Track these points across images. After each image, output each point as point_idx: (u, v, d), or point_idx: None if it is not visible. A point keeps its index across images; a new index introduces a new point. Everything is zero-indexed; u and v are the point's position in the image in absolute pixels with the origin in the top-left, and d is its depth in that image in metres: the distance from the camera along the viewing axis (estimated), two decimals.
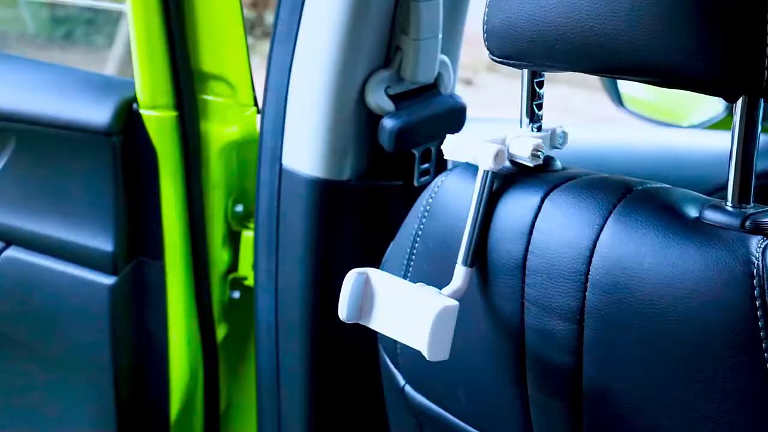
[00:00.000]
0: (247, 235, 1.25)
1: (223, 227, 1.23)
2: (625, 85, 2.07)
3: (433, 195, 0.76)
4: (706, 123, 2.27)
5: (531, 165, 0.69)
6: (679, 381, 0.60)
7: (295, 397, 1.09)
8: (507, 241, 0.68)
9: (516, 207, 0.69)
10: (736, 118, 0.60)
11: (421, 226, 0.76)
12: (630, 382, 0.63)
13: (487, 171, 0.69)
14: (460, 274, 0.68)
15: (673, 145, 1.76)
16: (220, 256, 1.24)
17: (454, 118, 1.03)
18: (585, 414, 0.66)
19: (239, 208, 1.24)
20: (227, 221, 1.24)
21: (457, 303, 0.64)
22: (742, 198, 0.60)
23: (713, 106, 2.74)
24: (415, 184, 1.03)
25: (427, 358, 0.63)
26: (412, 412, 0.85)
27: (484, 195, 0.68)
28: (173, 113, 1.15)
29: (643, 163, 1.50)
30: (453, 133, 1.05)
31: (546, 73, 0.71)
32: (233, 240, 1.26)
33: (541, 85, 0.73)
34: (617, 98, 1.96)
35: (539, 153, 0.69)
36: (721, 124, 2.23)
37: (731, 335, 0.57)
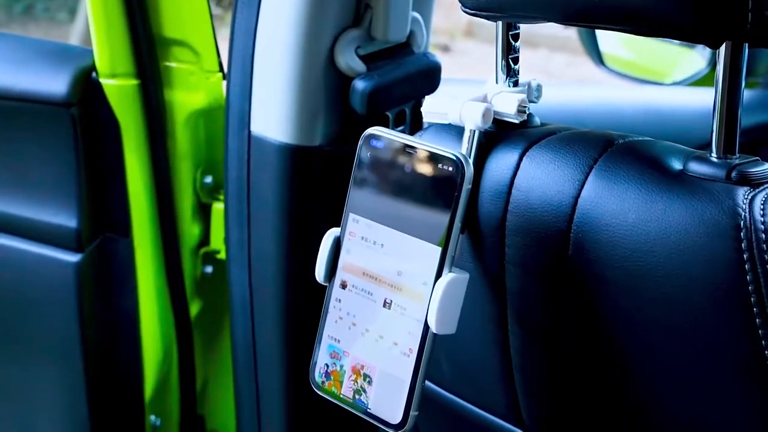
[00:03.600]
0: (218, 207, 1.23)
1: (192, 200, 1.22)
2: (605, 44, 2.06)
3: None
4: (689, 80, 2.26)
5: (517, 121, 0.68)
6: (664, 338, 0.59)
7: (273, 373, 1.08)
8: (487, 202, 0.67)
9: (495, 166, 0.68)
10: (720, 65, 0.59)
11: None
12: (614, 342, 0.62)
13: (474, 130, 0.67)
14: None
15: (655, 102, 1.75)
16: (190, 229, 1.22)
17: (429, 77, 1.01)
18: (568, 378, 0.66)
19: (208, 179, 1.23)
20: (196, 193, 1.22)
21: (467, 274, 0.62)
22: (727, 149, 0.60)
23: (696, 62, 2.74)
24: None
25: (435, 332, 0.61)
26: None
27: (472, 154, 0.67)
28: (134, 82, 1.12)
29: (625, 120, 1.49)
30: (428, 93, 1.04)
31: (525, 38, 0.70)
32: (203, 213, 1.24)
33: (516, 38, 0.71)
34: (597, 57, 1.95)
35: (525, 108, 0.68)
36: (705, 80, 2.23)
37: (718, 290, 0.56)
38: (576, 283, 0.63)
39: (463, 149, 0.68)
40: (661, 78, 2.78)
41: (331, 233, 0.65)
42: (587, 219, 0.62)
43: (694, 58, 2.78)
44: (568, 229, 0.63)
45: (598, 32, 1.91)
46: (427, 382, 0.78)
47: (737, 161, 0.59)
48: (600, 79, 2.17)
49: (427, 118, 0.71)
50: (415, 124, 1.04)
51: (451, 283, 0.60)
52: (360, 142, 0.65)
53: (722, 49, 0.58)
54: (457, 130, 0.71)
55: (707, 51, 2.63)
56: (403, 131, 1.02)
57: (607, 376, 0.64)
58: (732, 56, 0.58)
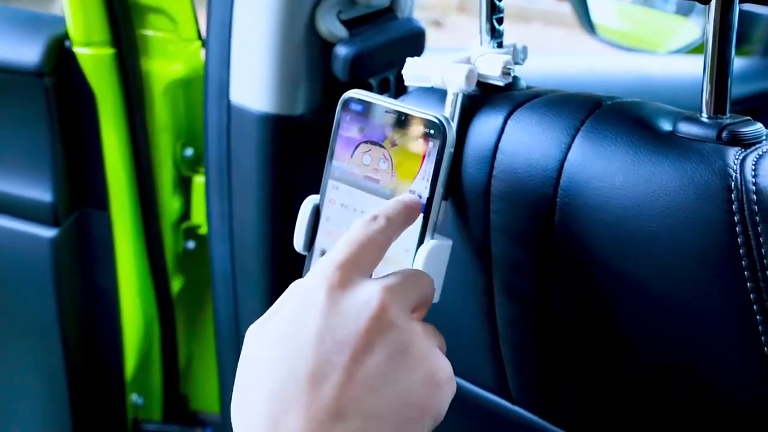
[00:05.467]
0: (199, 181, 1.22)
1: (172, 173, 1.20)
2: (599, 15, 2.05)
3: None
4: (684, 48, 2.25)
5: (502, 84, 0.67)
6: (654, 301, 0.58)
7: None
8: (471, 167, 0.66)
9: (479, 130, 0.66)
10: (711, 21, 0.57)
11: None
12: (603, 308, 0.61)
13: (457, 94, 0.66)
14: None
15: (646, 71, 1.74)
16: (170, 204, 1.21)
17: (413, 43, 1.00)
18: (556, 348, 0.65)
19: (189, 151, 1.21)
20: (177, 166, 1.21)
21: (450, 241, 0.61)
22: (717, 108, 0.58)
23: (690, 31, 2.73)
24: None
25: None
26: None
27: (455, 118, 0.66)
28: (110, 50, 1.11)
29: (615, 89, 1.48)
30: None
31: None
32: (184, 186, 1.23)
33: None
34: (590, 27, 1.93)
35: (510, 70, 0.66)
36: (699, 49, 2.22)
37: (707, 252, 0.55)
38: (563, 249, 0.62)
39: (446, 113, 0.67)
40: (655, 47, 2.77)
41: (310, 200, 0.64)
42: (574, 183, 0.61)
43: (689, 27, 2.77)
44: (554, 193, 0.62)
45: (590, 3, 1.90)
46: None
47: (728, 121, 0.58)
48: (597, 52, 2.16)
49: (408, 82, 0.70)
50: (399, 92, 1.02)
51: (433, 250, 0.59)
52: (338, 106, 0.64)
53: (712, 3, 0.57)
54: (439, 94, 0.69)
55: (701, 19, 2.62)
56: None
57: (596, 343, 0.63)
58: (722, 11, 0.57)
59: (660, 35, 2.97)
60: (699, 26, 2.60)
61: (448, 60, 0.68)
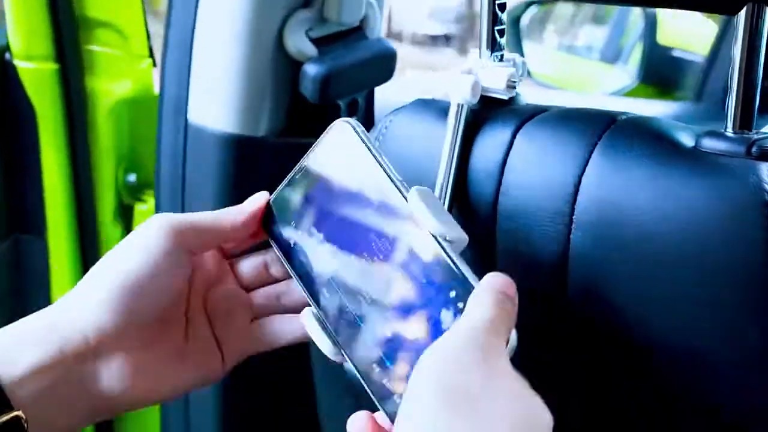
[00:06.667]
0: (141, 209, 1.16)
1: (113, 199, 1.14)
2: (532, 65, 2.08)
3: (380, 137, 0.69)
4: (619, 92, 2.30)
5: (506, 98, 0.64)
6: (678, 328, 0.55)
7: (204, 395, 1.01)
8: (476, 183, 0.63)
9: (484, 145, 0.63)
10: (739, 31, 0.56)
11: None
12: (618, 336, 0.58)
13: (461, 105, 0.63)
14: None
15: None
16: (111, 232, 1.15)
17: (383, 64, 0.97)
18: (571, 370, 0.61)
19: (132, 177, 1.15)
20: (118, 192, 1.15)
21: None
22: (743, 123, 0.57)
23: (617, 77, 2.79)
24: None
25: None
26: (346, 384, 0.79)
27: (459, 131, 0.62)
28: (53, 66, 1.04)
29: None
30: (382, 81, 0.99)
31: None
32: (125, 214, 1.16)
33: (503, 8, 0.67)
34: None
35: (515, 83, 0.64)
36: (632, 93, 2.26)
37: (742, 274, 0.52)
38: (579, 268, 0.58)
39: (450, 125, 0.63)
40: (588, 91, 2.82)
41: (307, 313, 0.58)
42: (593, 200, 0.58)
43: (616, 73, 2.83)
44: (571, 211, 0.58)
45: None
46: None
47: (756, 136, 0.56)
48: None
49: (409, 93, 0.66)
50: (368, 115, 0.99)
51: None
52: (328, 132, 0.60)
53: (741, 14, 0.55)
54: (439, 106, 0.66)
55: (629, 67, 2.68)
56: None
57: (610, 371, 0.60)
58: (751, 22, 0.55)
59: (587, 80, 3.03)
60: (625, 73, 2.65)
61: (450, 72, 0.65)
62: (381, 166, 0.57)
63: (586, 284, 0.58)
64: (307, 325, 0.57)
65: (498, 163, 0.62)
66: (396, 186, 0.56)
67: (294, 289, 0.61)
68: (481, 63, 0.67)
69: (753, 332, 0.53)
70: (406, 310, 0.53)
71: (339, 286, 0.57)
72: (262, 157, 0.95)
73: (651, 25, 2.26)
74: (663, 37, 2.32)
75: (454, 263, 0.52)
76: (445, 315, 0.51)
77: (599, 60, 3.21)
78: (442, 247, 0.53)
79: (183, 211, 0.99)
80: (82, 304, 0.53)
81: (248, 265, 0.61)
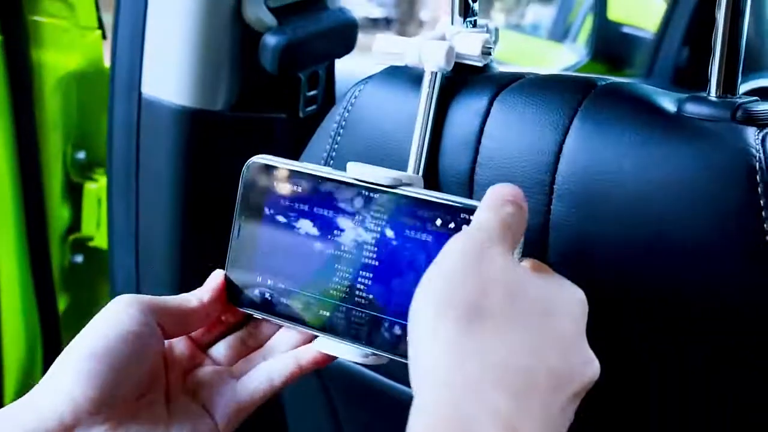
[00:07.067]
0: (91, 188, 1.12)
1: (61, 178, 1.10)
2: None
3: (350, 107, 0.66)
4: (570, 69, 2.30)
5: (480, 65, 0.62)
6: (668, 296, 0.54)
7: None
8: (450, 154, 0.61)
9: (459, 113, 0.61)
10: None
11: (335, 146, 0.67)
12: (605, 307, 0.57)
13: (435, 72, 0.61)
14: None
15: None
16: (59, 213, 1.11)
17: (345, 34, 0.94)
18: None
19: (81, 154, 1.11)
20: (66, 171, 1.11)
21: None
22: (727, 87, 0.55)
23: (567, 54, 2.79)
24: (300, 114, 0.93)
25: None
26: (318, 381, 0.77)
27: (434, 99, 0.60)
28: None
29: None
30: (344, 53, 0.96)
31: None
32: (74, 194, 1.12)
33: None
34: None
35: (490, 49, 0.62)
36: (583, 68, 2.26)
37: (729, 238, 0.51)
38: (559, 240, 0.57)
39: (423, 93, 0.61)
40: (540, 66, 2.82)
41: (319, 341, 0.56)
42: (575, 168, 0.56)
43: (564, 51, 2.83)
44: (552, 180, 0.57)
45: None
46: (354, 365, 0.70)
47: (740, 100, 0.55)
48: None
49: (379, 59, 0.64)
50: (328, 88, 0.96)
51: None
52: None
53: None
54: (411, 74, 0.64)
55: (577, 44, 2.69)
56: (315, 96, 0.94)
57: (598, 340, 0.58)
58: None
59: (536, 58, 3.03)
60: (574, 50, 2.66)
61: (422, 38, 0.63)
62: (312, 175, 0.55)
63: (568, 256, 0.57)
64: (325, 350, 0.56)
65: (474, 132, 0.60)
66: (336, 179, 0.54)
67: (282, 368, 0.58)
68: (454, 29, 0.64)
69: (739, 290, 0.52)
70: (415, 273, 0.52)
71: (337, 294, 0.55)
72: (219, 132, 0.92)
73: (602, 2, 2.26)
74: (613, 14, 2.32)
75: (436, 198, 0.52)
76: None
77: (547, 38, 3.22)
78: (413, 194, 0.52)
79: (137, 189, 0.95)
80: (57, 385, 0.51)
81: (223, 347, 0.59)
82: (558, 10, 3.12)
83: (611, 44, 2.28)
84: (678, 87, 1.98)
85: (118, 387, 0.51)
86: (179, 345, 0.58)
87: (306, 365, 0.57)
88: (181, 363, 0.58)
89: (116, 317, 0.53)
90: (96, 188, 1.12)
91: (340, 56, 0.95)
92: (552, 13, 3.28)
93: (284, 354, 0.57)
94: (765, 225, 0.51)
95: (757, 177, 0.51)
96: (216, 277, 0.59)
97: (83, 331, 0.53)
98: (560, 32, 2.98)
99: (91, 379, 0.50)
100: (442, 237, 0.51)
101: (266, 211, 0.57)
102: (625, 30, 2.31)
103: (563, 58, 2.69)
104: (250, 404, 0.57)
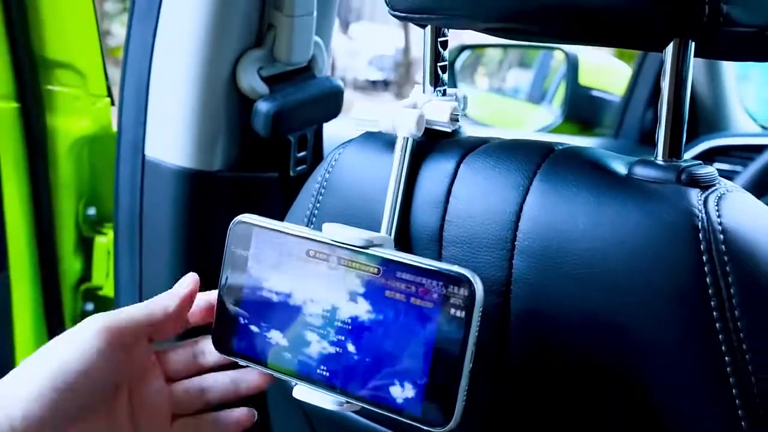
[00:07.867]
0: (101, 241, 1.11)
1: (74, 233, 1.09)
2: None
3: (330, 169, 0.66)
4: (545, 129, 2.31)
5: (450, 130, 0.62)
6: (618, 347, 0.53)
7: None
8: (421, 212, 0.60)
9: (429, 175, 0.61)
10: (667, 65, 0.54)
11: (317, 205, 0.67)
12: (560, 357, 0.56)
13: (407, 138, 0.60)
14: None
15: None
16: (71, 265, 1.10)
17: (331, 101, 0.94)
18: (512, 395, 0.58)
19: (91, 211, 1.10)
20: (78, 226, 1.10)
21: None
22: (672, 152, 0.55)
23: (543, 115, 2.81)
24: (291, 173, 0.93)
25: None
26: (303, 414, 0.75)
27: (405, 162, 0.60)
28: (14, 105, 1.00)
29: None
30: (330, 117, 0.96)
31: None
32: (85, 247, 1.11)
33: (444, 45, 0.65)
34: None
35: (457, 116, 0.62)
36: (556, 129, 2.27)
37: (676, 293, 0.51)
38: (522, 292, 0.56)
39: (396, 157, 0.61)
40: (514, 128, 2.83)
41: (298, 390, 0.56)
42: (534, 225, 0.55)
43: (541, 112, 2.85)
44: (513, 237, 0.56)
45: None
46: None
47: (684, 164, 0.54)
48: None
49: (356, 126, 0.64)
50: (316, 149, 0.96)
51: None
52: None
53: (668, 49, 0.54)
54: (386, 139, 0.64)
55: (553, 106, 2.70)
56: (305, 157, 0.94)
57: (551, 394, 0.57)
58: (677, 58, 0.54)
59: (516, 119, 3.05)
60: (550, 112, 2.67)
61: (396, 106, 0.63)
62: (291, 234, 0.55)
63: (528, 307, 0.56)
64: (303, 397, 0.55)
65: (443, 193, 0.60)
66: (312, 239, 0.54)
67: (218, 385, 0.58)
68: (425, 97, 0.64)
69: (686, 344, 0.51)
70: (384, 328, 0.51)
71: (313, 347, 0.54)
72: (216, 191, 0.91)
73: (573, 68, 2.28)
74: (584, 79, 2.34)
75: (403, 259, 0.51)
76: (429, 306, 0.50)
77: (526, 100, 3.24)
78: (383, 255, 0.51)
79: (141, 243, 0.95)
80: (12, 395, 0.50)
81: (177, 356, 0.58)
82: (535, 75, 3.15)
83: (582, 107, 2.29)
84: (644, 145, 1.99)
85: (70, 409, 0.50)
86: (136, 350, 0.56)
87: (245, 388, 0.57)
88: (132, 372, 0.56)
89: (79, 342, 0.51)
90: (105, 242, 1.11)
91: (327, 120, 0.95)
92: (530, 77, 3.31)
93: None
94: (708, 279, 0.50)
95: (700, 235, 0.50)
96: (186, 281, 0.58)
97: (47, 348, 0.51)
98: (538, 95, 3.00)
99: (46, 401, 0.49)
100: (409, 296, 0.50)
101: (249, 264, 0.57)
102: (595, 94, 2.32)
103: (540, 118, 2.70)
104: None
